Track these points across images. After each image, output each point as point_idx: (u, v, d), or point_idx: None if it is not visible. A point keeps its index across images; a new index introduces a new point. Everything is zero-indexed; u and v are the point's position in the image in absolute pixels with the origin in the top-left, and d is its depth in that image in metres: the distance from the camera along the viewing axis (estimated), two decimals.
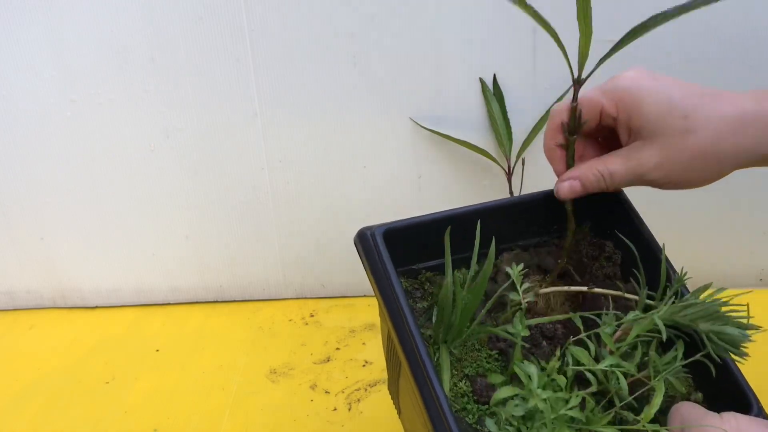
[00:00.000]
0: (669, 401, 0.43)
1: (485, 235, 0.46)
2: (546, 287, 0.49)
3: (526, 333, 0.44)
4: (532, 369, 0.41)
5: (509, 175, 0.76)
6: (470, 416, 0.42)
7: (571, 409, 0.39)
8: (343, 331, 0.83)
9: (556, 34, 0.45)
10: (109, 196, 0.84)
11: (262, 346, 0.81)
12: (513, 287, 0.46)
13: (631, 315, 0.44)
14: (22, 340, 0.87)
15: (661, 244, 0.48)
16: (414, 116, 0.77)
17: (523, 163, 0.77)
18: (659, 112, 0.43)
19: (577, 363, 0.42)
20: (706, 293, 0.43)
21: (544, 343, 0.47)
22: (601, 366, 0.41)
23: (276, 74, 0.76)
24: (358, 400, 0.71)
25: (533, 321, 0.46)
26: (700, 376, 0.46)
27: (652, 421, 0.40)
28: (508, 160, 0.76)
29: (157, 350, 0.82)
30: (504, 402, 0.42)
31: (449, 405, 0.39)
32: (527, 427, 0.39)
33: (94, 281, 0.90)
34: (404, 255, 0.49)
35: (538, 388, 0.40)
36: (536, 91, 0.75)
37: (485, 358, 0.47)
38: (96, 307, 0.92)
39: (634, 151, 0.45)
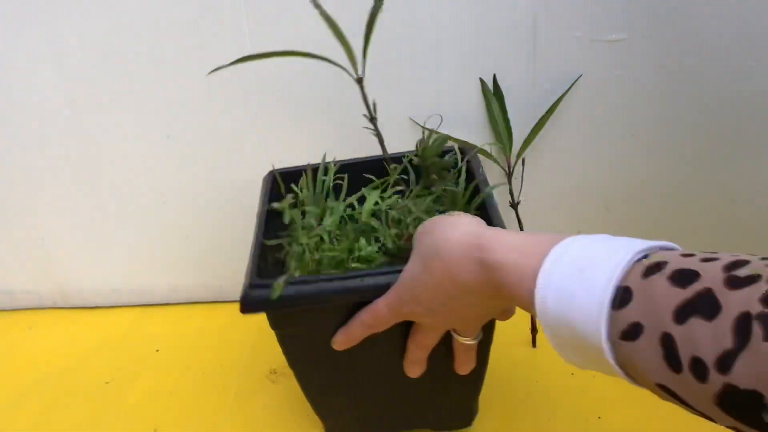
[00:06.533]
0: None
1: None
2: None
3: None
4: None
5: (509, 175, 0.76)
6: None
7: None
8: None
9: (344, 37, 0.55)
10: (109, 196, 0.84)
11: (262, 346, 0.81)
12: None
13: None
14: (22, 340, 0.87)
15: None
16: (414, 116, 0.77)
17: (523, 163, 0.77)
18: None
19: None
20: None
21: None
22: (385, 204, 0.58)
23: (276, 75, 0.76)
24: None
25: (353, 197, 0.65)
26: None
27: None
28: (508, 160, 0.76)
29: (157, 350, 0.82)
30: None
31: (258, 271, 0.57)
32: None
33: (94, 281, 0.90)
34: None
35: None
36: (536, 91, 0.75)
37: None
38: (96, 307, 0.92)
39: None
